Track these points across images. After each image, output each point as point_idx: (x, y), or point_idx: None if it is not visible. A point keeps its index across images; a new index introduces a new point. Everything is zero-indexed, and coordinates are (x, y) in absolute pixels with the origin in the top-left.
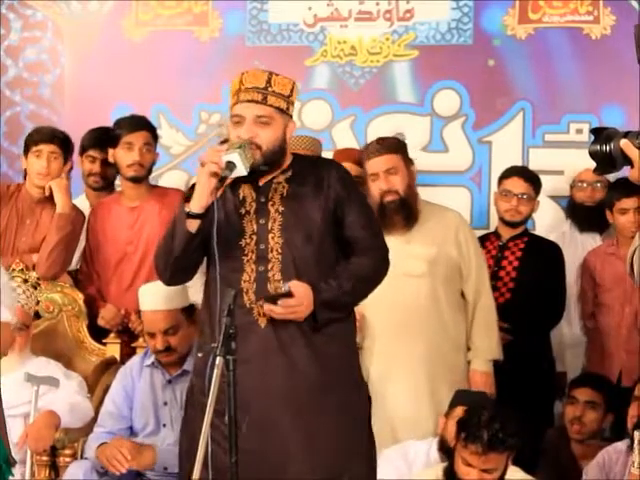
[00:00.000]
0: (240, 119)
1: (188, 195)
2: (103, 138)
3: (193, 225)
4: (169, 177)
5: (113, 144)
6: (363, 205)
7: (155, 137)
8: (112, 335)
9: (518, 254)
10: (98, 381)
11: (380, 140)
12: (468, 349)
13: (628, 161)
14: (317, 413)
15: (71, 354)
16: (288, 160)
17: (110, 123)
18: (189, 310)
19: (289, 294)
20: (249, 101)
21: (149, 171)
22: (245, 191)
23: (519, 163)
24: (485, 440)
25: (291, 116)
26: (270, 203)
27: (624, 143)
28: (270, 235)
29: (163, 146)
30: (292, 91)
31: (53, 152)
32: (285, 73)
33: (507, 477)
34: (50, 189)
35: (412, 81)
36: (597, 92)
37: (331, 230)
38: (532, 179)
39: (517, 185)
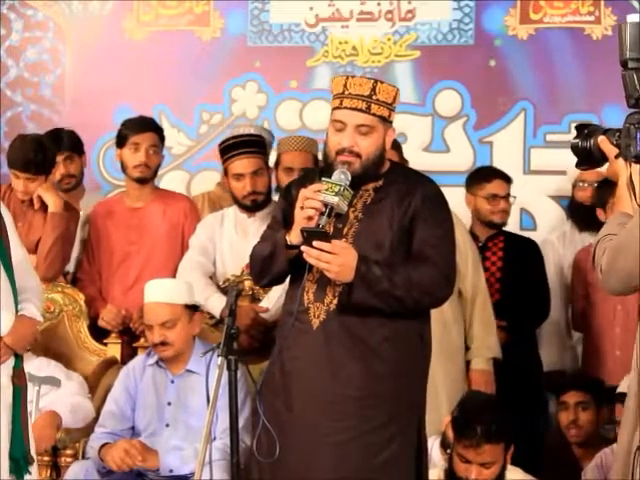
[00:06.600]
0: (342, 126)
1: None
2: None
3: (292, 253)
4: (171, 177)
5: (120, 144)
6: (440, 227)
7: (162, 139)
8: (113, 335)
9: (499, 254)
10: (99, 381)
11: None
12: (466, 348)
13: (605, 157)
14: (353, 424)
15: (72, 354)
16: (384, 168)
17: (111, 123)
18: (192, 307)
19: (324, 233)
20: (353, 109)
21: (155, 173)
22: None
23: (520, 163)
24: (478, 432)
25: (391, 123)
26: (352, 209)
27: (601, 139)
28: (342, 240)
29: (165, 146)
30: (395, 98)
31: (29, 178)
32: (286, 73)
33: (508, 478)
34: (39, 198)
35: (413, 81)
36: (598, 92)
37: (403, 244)
38: (508, 177)
39: (502, 187)
